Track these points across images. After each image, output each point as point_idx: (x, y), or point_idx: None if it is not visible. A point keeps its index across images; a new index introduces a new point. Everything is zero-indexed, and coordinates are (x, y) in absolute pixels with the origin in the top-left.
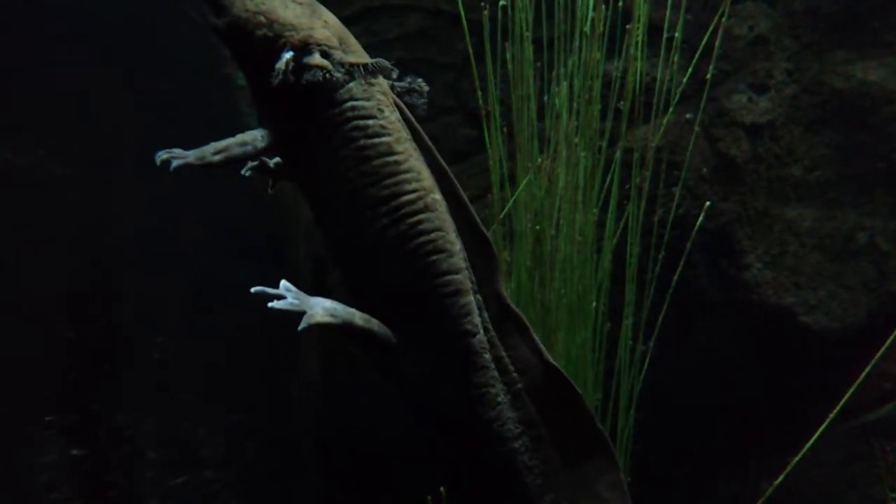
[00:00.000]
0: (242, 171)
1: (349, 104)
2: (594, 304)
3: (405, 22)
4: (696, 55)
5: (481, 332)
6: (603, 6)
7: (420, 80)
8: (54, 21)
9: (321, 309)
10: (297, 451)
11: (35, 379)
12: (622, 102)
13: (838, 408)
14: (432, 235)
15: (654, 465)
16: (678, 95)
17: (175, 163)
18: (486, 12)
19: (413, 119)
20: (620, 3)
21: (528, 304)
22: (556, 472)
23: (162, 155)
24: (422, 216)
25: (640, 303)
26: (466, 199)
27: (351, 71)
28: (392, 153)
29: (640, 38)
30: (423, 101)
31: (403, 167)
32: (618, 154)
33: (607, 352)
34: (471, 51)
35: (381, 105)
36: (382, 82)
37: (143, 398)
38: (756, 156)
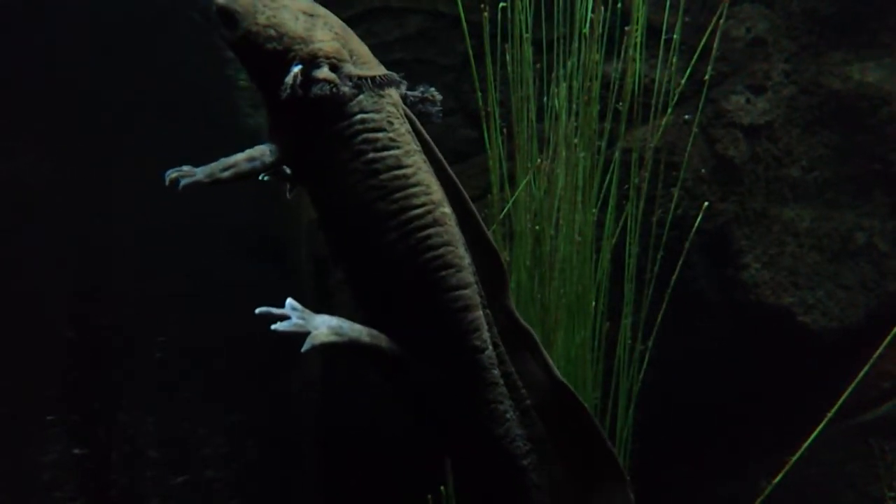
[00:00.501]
0: (260, 177)
1: (358, 117)
2: (593, 303)
3: (405, 24)
4: (695, 56)
5: (490, 347)
6: (602, 8)
7: (433, 88)
8: (54, 21)
9: (326, 328)
10: (297, 450)
11: (36, 378)
12: (621, 103)
13: (836, 407)
14: (441, 250)
15: (653, 464)
16: (677, 96)
17: (184, 182)
18: (485, 14)
19: (423, 130)
20: (619, 5)
21: (528, 303)
22: (565, 491)
23: (171, 174)
24: (430, 231)
25: (638, 302)
26: (476, 212)
27: (360, 84)
28: (401, 166)
29: (638, 40)
30: (437, 109)
31: (412, 181)
32: (617, 155)
33: (606, 351)
34: (471, 52)
35: (390, 117)
36: (393, 93)
37: (144, 397)
38: (754, 156)
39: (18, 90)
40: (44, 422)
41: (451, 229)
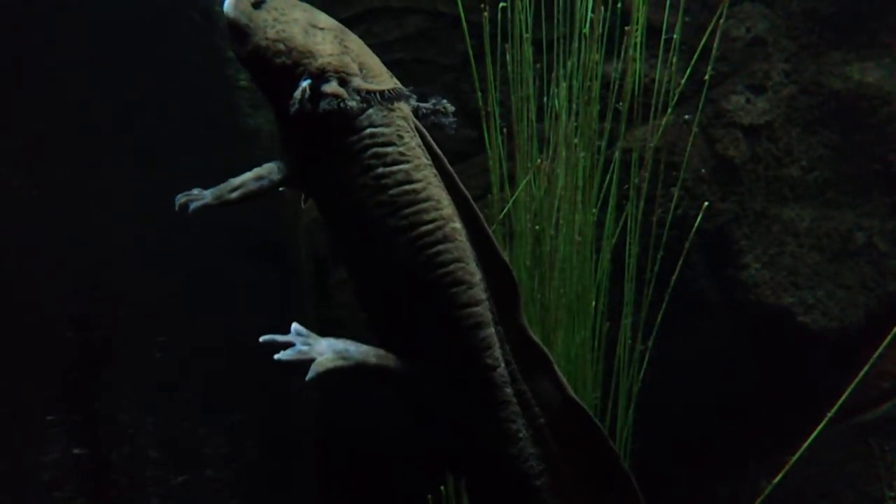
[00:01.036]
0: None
1: (368, 131)
2: (593, 303)
3: (405, 23)
4: (695, 56)
5: (502, 365)
6: (602, 8)
7: (445, 100)
8: (54, 21)
9: (332, 353)
10: (297, 450)
11: (36, 378)
12: (621, 103)
13: (836, 407)
14: (451, 267)
15: (653, 464)
16: (676, 96)
17: (193, 205)
18: (485, 14)
19: (434, 144)
20: (619, 5)
21: (528, 303)
22: None
23: (180, 199)
24: (441, 247)
25: (638, 302)
26: (487, 227)
27: (368, 98)
28: (411, 181)
29: (638, 40)
30: (449, 121)
31: (422, 195)
32: (617, 154)
33: (606, 351)
34: (471, 52)
35: (400, 131)
36: (403, 107)
37: (144, 397)
38: (754, 156)
39: (18, 90)
40: (44, 422)
41: (462, 245)
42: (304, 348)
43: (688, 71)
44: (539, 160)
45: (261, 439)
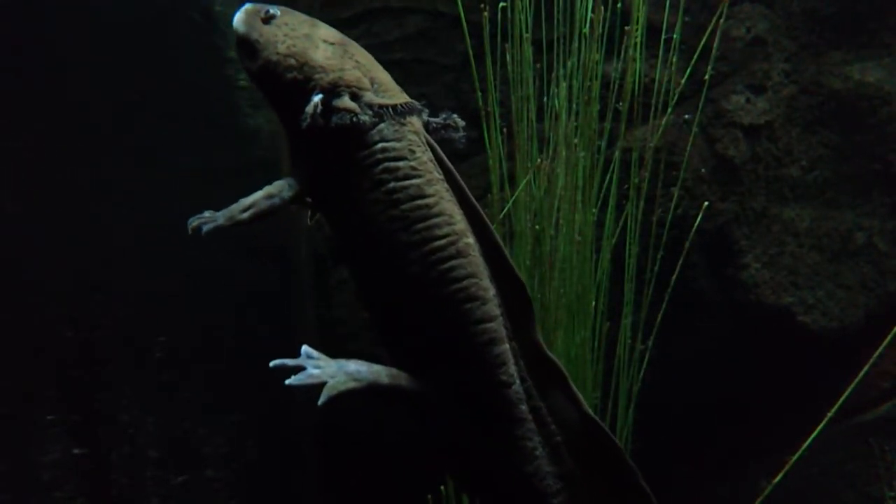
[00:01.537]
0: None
1: (379, 146)
2: (593, 303)
3: (405, 24)
4: (695, 56)
5: (517, 382)
6: (602, 8)
7: (455, 115)
8: (54, 21)
9: (344, 375)
10: (297, 450)
11: (36, 378)
12: (621, 103)
13: (836, 407)
14: (465, 283)
15: (653, 464)
16: (676, 96)
17: (206, 227)
18: (485, 14)
19: (445, 158)
20: (619, 5)
21: None
22: None
23: (193, 222)
24: (454, 262)
25: (638, 302)
26: (500, 241)
27: (380, 113)
28: (423, 196)
29: (638, 40)
30: (460, 135)
31: (435, 210)
32: (617, 154)
33: (606, 351)
34: (471, 52)
35: (412, 146)
36: (415, 121)
37: (144, 397)
38: (754, 156)
39: (19, 90)
40: (44, 422)
41: (475, 260)
42: (315, 371)
43: (688, 71)
44: (539, 160)
45: (261, 439)
